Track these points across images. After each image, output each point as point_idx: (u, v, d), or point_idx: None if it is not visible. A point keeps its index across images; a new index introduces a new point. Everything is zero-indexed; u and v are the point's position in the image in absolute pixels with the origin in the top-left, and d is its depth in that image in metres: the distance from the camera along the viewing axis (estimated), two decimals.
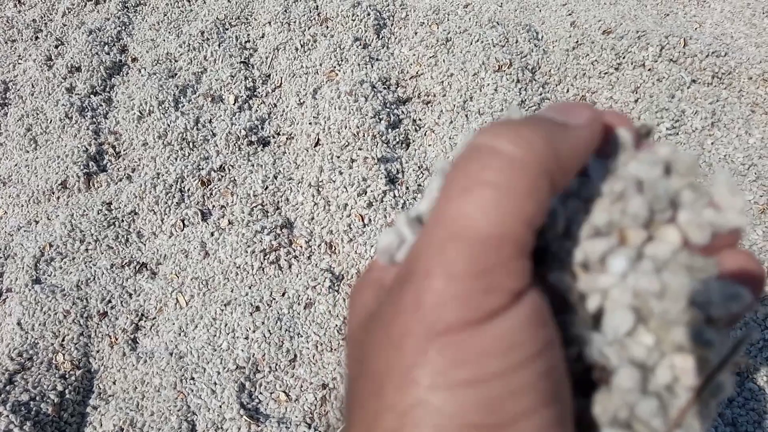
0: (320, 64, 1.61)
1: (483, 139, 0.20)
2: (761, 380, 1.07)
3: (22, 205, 1.43)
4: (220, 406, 1.05)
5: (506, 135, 0.20)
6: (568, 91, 1.55)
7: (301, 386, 1.09)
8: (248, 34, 1.75)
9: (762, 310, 1.13)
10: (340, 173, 1.35)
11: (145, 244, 1.35)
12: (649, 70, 1.53)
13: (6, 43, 1.79)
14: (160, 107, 1.52)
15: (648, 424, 0.20)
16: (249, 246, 1.28)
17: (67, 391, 1.10)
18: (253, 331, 1.15)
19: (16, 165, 1.50)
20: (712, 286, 0.21)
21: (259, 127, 1.53)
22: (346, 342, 0.23)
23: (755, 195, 1.28)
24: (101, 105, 1.60)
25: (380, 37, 1.70)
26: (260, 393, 1.09)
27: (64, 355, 1.14)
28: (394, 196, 1.32)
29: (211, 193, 1.41)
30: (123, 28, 1.78)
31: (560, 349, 0.20)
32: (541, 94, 1.51)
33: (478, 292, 0.18)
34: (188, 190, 1.40)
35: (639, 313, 0.22)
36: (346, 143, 1.41)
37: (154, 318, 1.24)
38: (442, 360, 0.18)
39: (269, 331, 1.15)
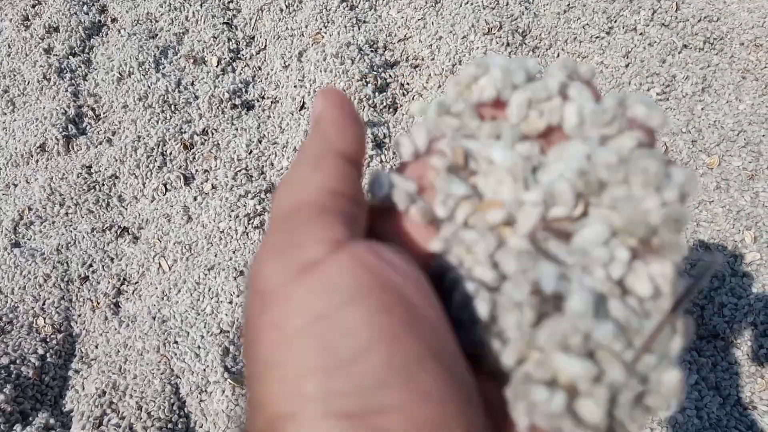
0: (306, 26, 1.57)
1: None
2: (745, 345, 1.08)
3: (0, 168, 1.39)
4: (204, 370, 1.04)
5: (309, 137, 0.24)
6: (558, 55, 1.53)
7: None
8: None
9: (739, 279, 1.13)
10: None
11: (126, 209, 1.32)
12: (640, 34, 1.51)
13: None
14: (140, 69, 1.48)
15: (609, 348, 0.20)
16: (233, 210, 1.25)
17: (48, 355, 1.08)
18: (237, 296, 1.14)
19: None
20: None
21: (243, 90, 1.50)
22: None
23: (744, 161, 1.27)
24: (80, 66, 1.55)
25: None
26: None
27: (44, 318, 1.12)
28: (381, 161, 1.30)
29: (194, 157, 1.38)
30: None
31: (416, 290, 0.20)
32: (531, 58, 1.48)
33: (290, 249, 0.20)
34: (170, 153, 1.37)
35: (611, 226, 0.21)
36: None
37: (137, 282, 1.22)
38: (276, 317, 0.19)
39: None
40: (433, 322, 0.20)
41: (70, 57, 1.57)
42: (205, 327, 1.11)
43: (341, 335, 0.18)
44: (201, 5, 1.62)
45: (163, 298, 1.17)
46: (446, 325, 0.20)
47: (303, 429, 0.18)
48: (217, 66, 1.53)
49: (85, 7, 1.65)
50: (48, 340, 1.10)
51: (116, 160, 1.35)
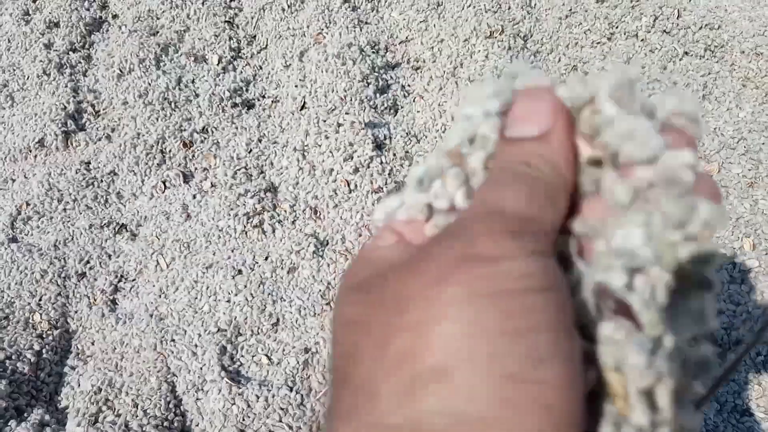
0: (307, 26, 1.57)
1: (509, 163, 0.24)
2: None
3: None
4: (201, 368, 1.04)
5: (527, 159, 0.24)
6: (559, 60, 1.53)
7: (284, 350, 1.08)
8: None
9: (737, 286, 1.14)
10: (327, 138, 1.33)
11: (125, 205, 1.32)
12: (642, 40, 1.51)
13: None
14: (140, 66, 1.48)
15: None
16: (232, 209, 1.25)
17: (44, 351, 1.08)
18: (235, 295, 1.13)
19: None
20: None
21: (244, 89, 1.50)
22: (344, 296, 0.24)
23: (744, 168, 1.28)
24: (80, 62, 1.55)
25: None
26: (242, 356, 1.08)
27: (41, 314, 1.12)
28: (381, 162, 1.30)
29: (193, 155, 1.37)
30: None
31: (567, 301, 0.21)
32: (532, 63, 1.49)
33: (508, 240, 0.21)
34: (170, 151, 1.37)
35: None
36: (333, 107, 1.38)
37: (134, 280, 1.21)
38: (466, 277, 0.20)
39: (252, 294, 1.13)
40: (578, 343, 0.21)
41: (71, 53, 1.56)
42: (202, 325, 1.10)
43: (523, 310, 0.19)
44: (202, 3, 1.62)
45: (160, 296, 1.17)
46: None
47: (461, 382, 0.19)
48: (218, 64, 1.53)
49: (86, 3, 1.65)
50: (44, 336, 1.10)
51: (115, 157, 1.35)
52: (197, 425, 1.01)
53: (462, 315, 0.19)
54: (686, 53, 1.49)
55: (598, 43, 1.53)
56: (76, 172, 1.32)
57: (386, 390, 0.20)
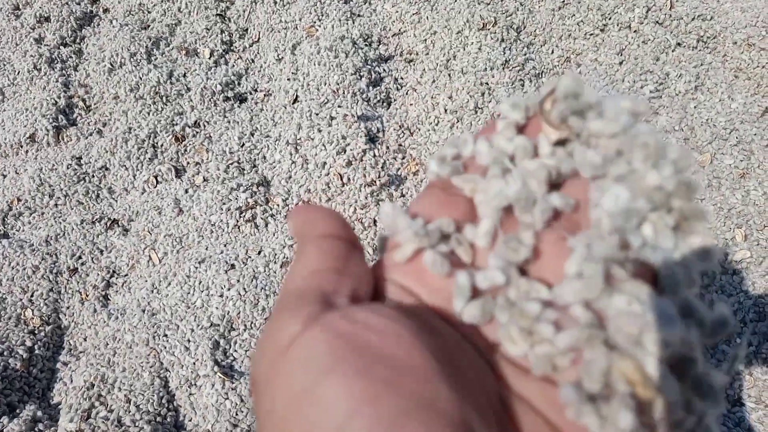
0: (300, 19, 1.56)
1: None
2: (734, 343, 1.08)
3: None
4: (194, 363, 1.04)
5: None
6: (552, 52, 1.52)
7: None
8: None
9: (729, 277, 1.14)
10: (319, 131, 1.32)
11: (116, 200, 1.31)
12: (634, 32, 1.51)
13: None
14: (132, 60, 1.47)
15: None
16: (224, 203, 1.25)
17: (36, 347, 1.07)
18: (228, 289, 1.13)
19: None
20: None
21: (236, 82, 1.49)
22: None
23: (735, 159, 1.28)
24: (71, 57, 1.54)
25: None
26: (235, 351, 1.08)
27: (33, 310, 1.11)
28: (374, 156, 1.30)
29: (185, 150, 1.37)
30: None
31: (397, 344, 0.20)
32: (525, 55, 1.48)
33: (270, 336, 0.21)
34: (161, 145, 1.36)
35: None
36: (326, 100, 1.38)
37: (126, 275, 1.21)
38: (265, 402, 0.20)
39: (244, 289, 1.13)
40: (422, 371, 0.19)
41: (61, 47, 1.55)
42: (195, 320, 1.10)
43: (323, 409, 0.18)
44: None
45: (152, 291, 1.16)
46: (438, 368, 0.20)
47: None
48: (209, 58, 1.52)
49: None
50: (36, 332, 1.09)
51: (107, 152, 1.34)
52: (190, 420, 1.01)
53: None
54: (679, 44, 1.49)
55: (591, 34, 1.53)
56: (68, 168, 1.31)
57: None
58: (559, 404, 0.21)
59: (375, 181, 1.25)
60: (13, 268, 1.16)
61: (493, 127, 0.26)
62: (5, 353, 1.04)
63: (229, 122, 1.41)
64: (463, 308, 0.23)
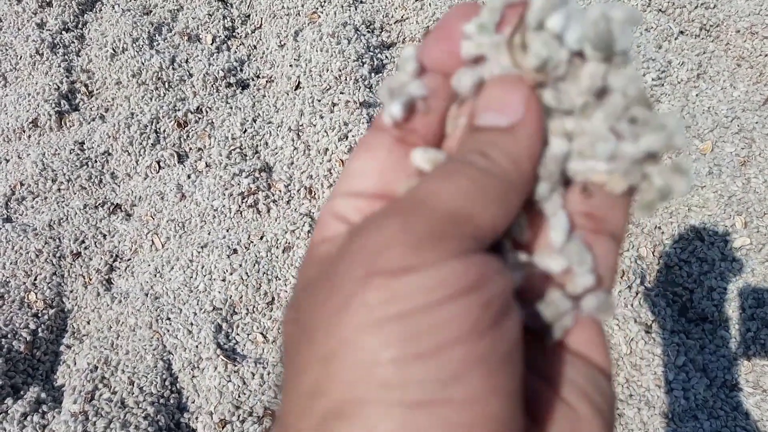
0: (302, 5, 1.56)
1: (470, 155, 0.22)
2: (733, 328, 1.09)
3: None
4: (197, 346, 1.05)
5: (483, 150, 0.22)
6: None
7: (279, 328, 1.09)
8: None
9: (728, 264, 1.14)
10: (321, 117, 1.32)
11: (119, 185, 1.32)
12: None
13: None
14: (134, 45, 1.47)
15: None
16: (227, 189, 1.25)
17: (39, 330, 1.08)
18: (231, 274, 1.14)
19: None
20: None
21: (238, 68, 1.49)
22: (283, 315, 0.22)
23: (737, 147, 1.28)
24: (73, 42, 1.54)
25: None
26: (237, 334, 1.08)
27: (36, 294, 1.12)
28: None
29: (187, 135, 1.37)
30: None
31: (504, 286, 0.20)
32: None
33: (426, 247, 0.19)
34: (164, 131, 1.37)
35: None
36: (328, 87, 1.38)
37: (129, 259, 1.22)
38: (372, 298, 0.18)
39: (247, 273, 1.14)
40: (517, 318, 0.20)
41: (63, 32, 1.55)
42: (197, 304, 1.11)
43: (432, 327, 0.18)
44: None
45: (155, 275, 1.17)
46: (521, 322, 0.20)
47: (370, 415, 0.18)
48: (211, 44, 1.52)
49: None
50: (40, 315, 1.10)
51: (109, 137, 1.35)
52: (193, 402, 1.02)
53: (365, 344, 0.18)
54: (681, 32, 1.48)
55: None
56: (70, 152, 1.32)
57: (300, 428, 0.19)
58: (582, 385, 0.22)
59: None
60: (16, 252, 1.17)
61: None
62: (9, 336, 1.04)
63: (231, 108, 1.41)
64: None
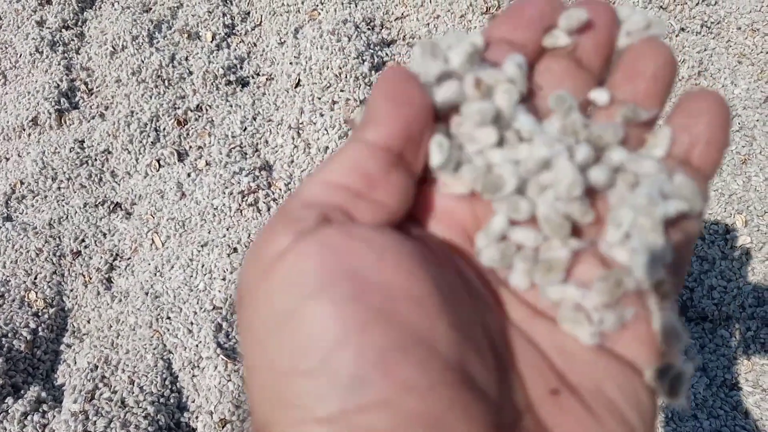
0: (302, 2, 1.55)
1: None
2: (733, 328, 1.09)
3: None
4: (197, 345, 1.05)
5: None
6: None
7: None
8: None
9: (729, 263, 1.14)
10: (321, 115, 1.32)
11: (119, 184, 1.32)
12: None
13: None
14: (134, 43, 1.46)
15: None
16: (227, 187, 1.25)
17: (40, 329, 1.08)
18: (231, 273, 1.14)
19: None
20: None
21: (238, 66, 1.49)
22: None
23: (737, 145, 1.28)
24: (73, 40, 1.53)
25: None
26: (237, 333, 1.09)
27: (36, 293, 1.12)
28: None
29: (187, 133, 1.37)
30: None
31: (396, 268, 0.18)
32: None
33: (260, 247, 0.19)
34: (164, 129, 1.36)
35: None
36: (328, 84, 1.37)
37: (129, 258, 1.22)
38: (247, 317, 0.19)
39: None
40: (420, 303, 0.18)
41: (63, 30, 1.55)
42: (197, 303, 1.11)
43: (306, 336, 0.17)
44: None
45: (155, 274, 1.17)
46: (439, 302, 0.18)
47: None
48: (211, 41, 1.52)
49: None
50: (40, 314, 1.10)
51: (109, 135, 1.35)
52: (193, 401, 1.02)
53: (268, 359, 0.18)
54: (682, 29, 1.48)
55: None
56: (70, 151, 1.32)
57: None
58: (567, 349, 0.20)
59: None
60: (16, 251, 1.17)
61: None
62: (9, 335, 1.05)
63: (231, 106, 1.41)
64: (482, 249, 0.22)
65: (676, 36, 1.47)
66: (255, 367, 0.18)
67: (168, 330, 1.08)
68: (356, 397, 0.16)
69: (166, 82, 1.42)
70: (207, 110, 1.40)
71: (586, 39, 0.24)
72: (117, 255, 1.22)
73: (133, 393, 0.99)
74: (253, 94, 1.45)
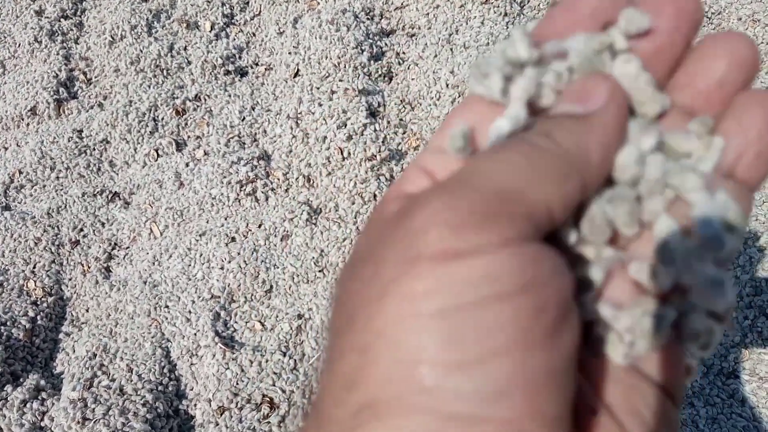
0: None
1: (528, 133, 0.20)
2: (730, 316, 1.09)
3: None
4: (195, 334, 1.05)
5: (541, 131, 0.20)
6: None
7: (277, 316, 1.09)
8: None
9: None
10: (320, 105, 1.32)
11: (117, 174, 1.32)
12: None
13: None
14: (132, 32, 1.46)
15: None
16: (225, 177, 1.25)
17: (38, 318, 1.09)
18: (229, 262, 1.14)
19: None
20: None
21: (237, 56, 1.48)
22: (341, 275, 0.21)
23: None
24: (72, 29, 1.53)
25: None
26: (235, 322, 1.09)
27: (35, 282, 1.13)
28: (375, 130, 1.30)
29: (186, 123, 1.37)
30: None
31: (561, 292, 0.18)
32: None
33: (471, 227, 0.17)
34: (162, 119, 1.36)
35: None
36: (327, 74, 1.37)
37: (128, 247, 1.22)
38: (413, 287, 0.17)
39: (245, 261, 1.14)
40: (576, 330, 0.18)
41: (62, 20, 1.54)
42: (196, 292, 1.11)
43: (478, 332, 0.16)
44: None
45: (154, 263, 1.17)
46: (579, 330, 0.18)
47: (403, 418, 0.16)
48: (210, 31, 1.51)
49: None
50: (38, 303, 1.11)
51: (107, 125, 1.34)
52: (191, 389, 1.02)
53: (403, 340, 0.17)
54: None
55: None
56: (69, 140, 1.32)
57: (334, 417, 0.18)
58: (641, 412, 0.20)
59: (375, 156, 1.25)
60: (15, 240, 1.17)
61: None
62: (8, 323, 1.05)
63: (229, 96, 1.41)
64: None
65: None
66: (395, 343, 0.17)
67: (166, 318, 1.08)
68: (490, 408, 0.16)
69: (164, 71, 1.42)
70: (205, 100, 1.40)
71: (647, 43, 0.21)
72: (115, 244, 1.22)
73: (131, 381, 0.99)
74: (252, 83, 1.44)
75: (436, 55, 1.44)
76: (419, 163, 0.22)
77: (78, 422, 0.92)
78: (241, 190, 1.24)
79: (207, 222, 1.21)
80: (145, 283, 1.14)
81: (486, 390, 0.16)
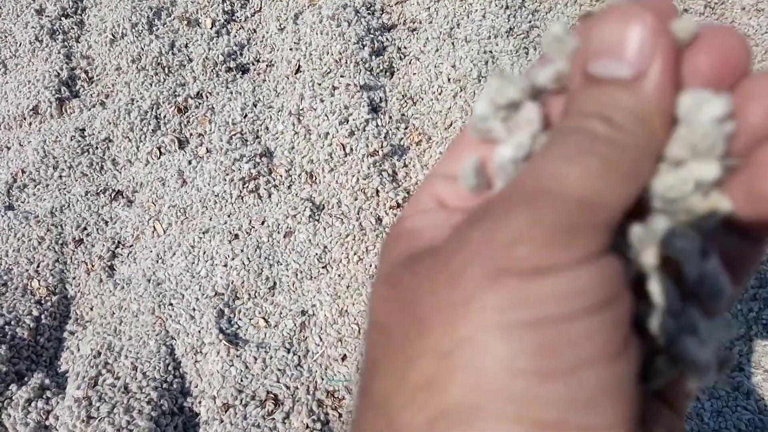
0: None
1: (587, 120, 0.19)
2: (735, 308, 1.09)
3: None
4: (199, 331, 1.05)
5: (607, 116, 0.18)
6: (558, 19, 1.50)
7: (281, 313, 1.09)
8: None
9: None
10: (322, 101, 1.32)
11: (120, 172, 1.32)
12: None
13: None
14: (133, 30, 1.46)
15: None
16: (228, 174, 1.25)
17: (43, 317, 1.09)
18: (232, 259, 1.14)
19: None
20: None
21: (238, 53, 1.48)
22: (375, 287, 0.21)
23: None
24: (72, 28, 1.53)
25: None
26: (239, 319, 1.09)
27: (39, 281, 1.13)
28: (377, 126, 1.29)
29: (188, 121, 1.37)
30: None
31: (629, 304, 0.18)
32: (530, 22, 1.46)
33: (559, 244, 0.17)
34: (164, 117, 1.36)
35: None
36: (328, 70, 1.37)
37: (131, 245, 1.22)
38: (501, 299, 0.17)
39: (248, 258, 1.14)
40: (637, 343, 0.18)
41: (63, 18, 1.54)
42: (199, 289, 1.11)
43: (569, 342, 0.16)
44: None
45: (157, 261, 1.17)
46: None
47: (488, 426, 0.16)
48: (211, 28, 1.51)
49: None
50: (43, 302, 1.11)
51: (110, 123, 1.34)
52: (196, 386, 1.02)
53: (492, 348, 0.17)
54: (686, 10, 1.46)
55: (597, 0, 1.50)
56: (71, 139, 1.32)
57: (407, 421, 0.18)
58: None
59: (377, 151, 1.25)
60: (18, 240, 1.17)
61: None
62: (13, 323, 1.05)
63: (231, 93, 1.40)
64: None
65: (680, 17, 1.45)
66: (481, 346, 0.17)
67: (170, 316, 1.08)
68: (581, 416, 0.17)
69: (166, 69, 1.42)
70: (207, 97, 1.40)
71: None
72: (119, 242, 1.22)
73: (136, 379, 1.00)
74: (254, 80, 1.44)
75: (437, 50, 1.44)
76: (428, 189, 0.22)
77: (83, 421, 0.92)
78: (243, 187, 1.24)
79: (210, 219, 1.21)
80: (148, 281, 1.14)
81: (578, 397, 0.16)
